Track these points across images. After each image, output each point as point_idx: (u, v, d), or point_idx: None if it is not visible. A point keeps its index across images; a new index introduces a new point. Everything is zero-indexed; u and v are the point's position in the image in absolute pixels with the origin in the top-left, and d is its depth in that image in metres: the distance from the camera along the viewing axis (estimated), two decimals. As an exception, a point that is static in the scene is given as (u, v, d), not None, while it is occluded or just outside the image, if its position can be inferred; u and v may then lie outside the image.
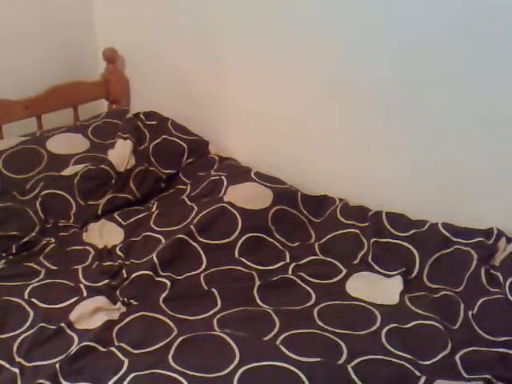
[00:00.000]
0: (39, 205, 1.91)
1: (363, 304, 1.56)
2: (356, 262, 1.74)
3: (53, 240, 1.83)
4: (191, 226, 1.77)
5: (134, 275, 1.63)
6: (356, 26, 1.85)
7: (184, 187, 2.11)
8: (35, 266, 1.69)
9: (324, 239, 1.83)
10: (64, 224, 1.91)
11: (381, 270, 1.69)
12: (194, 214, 1.83)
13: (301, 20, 1.95)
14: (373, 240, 1.76)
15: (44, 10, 2.38)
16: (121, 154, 2.07)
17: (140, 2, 2.40)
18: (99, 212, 1.97)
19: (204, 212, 1.82)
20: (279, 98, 2.12)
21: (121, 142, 2.11)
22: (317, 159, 2.09)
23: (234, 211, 1.82)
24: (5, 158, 2.03)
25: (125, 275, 1.65)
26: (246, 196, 1.88)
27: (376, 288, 1.62)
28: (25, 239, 1.80)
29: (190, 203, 1.95)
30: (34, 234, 1.83)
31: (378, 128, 1.91)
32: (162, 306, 1.53)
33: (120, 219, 1.95)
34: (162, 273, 1.65)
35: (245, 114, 2.25)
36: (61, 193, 1.96)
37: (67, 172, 2.01)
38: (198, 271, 1.68)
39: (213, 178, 2.03)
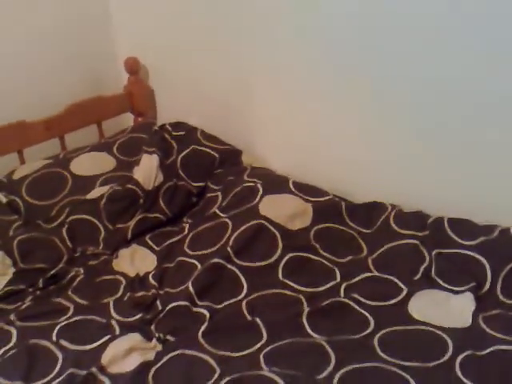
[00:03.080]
0: (66, 232, 1.78)
1: (430, 329, 1.35)
2: (417, 277, 1.53)
3: (82, 270, 1.69)
4: (228, 248, 1.59)
5: (169, 307, 1.47)
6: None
7: (214, 195, 1.93)
8: (63, 302, 1.55)
9: (378, 253, 1.63)
10: (93, 251, 1.77)
11: (447, 286, 1.49)
12: (229, 232, 1.66)
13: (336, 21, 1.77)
14: (435, 251, 1.56)
15: (60, 21, 2.25)
16: (147, 170, 1.92)
17: (162, 8, 2.24)
18: (129, 235, 1.82)
19: (240, 230, 1.64)
20: (315, 107, 1.93)
21: (146, 158, 1.96)
22: (361, 165, 1.90)
23: (272, 229, 1.64)
24: (28, 184, 1.91)
25: (159, 307, 1.49)
26: (284, 213, 1.69)
27: (444, 308, 1.42)
28: (52, 271, 1.67)
29: (223, 216, 1.75)
30: (61, 264, 1.70)
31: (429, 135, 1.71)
32: (202, 341, 1.36)
33: (152, 243, 1.79)
34: (199, 302, 1.49)
35: (280, 122, 2.07)
36: (88, 217, 1.82)
37: (93, 195, 1.87)
38: (238, 298, 1.51)
39: (246, 184, 1.85)
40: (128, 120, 2.44)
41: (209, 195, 1.96)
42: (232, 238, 1.63)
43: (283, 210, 1.70)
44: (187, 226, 1.82)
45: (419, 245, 1.59)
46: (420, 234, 1.62)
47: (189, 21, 2.17)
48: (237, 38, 2.05)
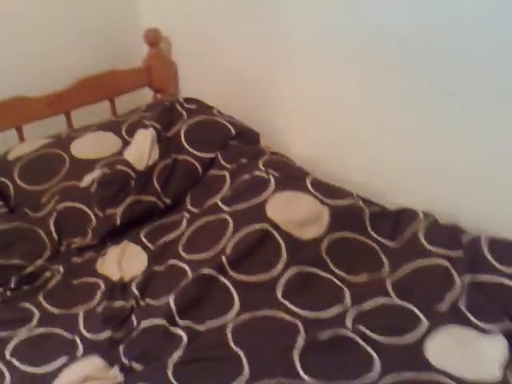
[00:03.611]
0: (53, 222, 1.60)
1: (447, 381, 1.08)
2: (443, 308, 1.25)
3: (61, 269, 1.50)
4: (222, 257, 1.36)
5: (143, 325, 1.26)
6: None
7: (221, 174, 1.69)
8: (31, 309, 1.37)
9: (400, 272, 1.35)
10: (80, 245, 1.58)
11: (478, 324, 1.20)
12: (228, 234, 1.43)
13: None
14: (468, 277, 1.27)
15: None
16: (140, 147, 1.70)
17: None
18: (118, 221, 1.61)
19: (240, 234, 1.41)
20: (349, 86, 1.66)
21: (140, 133, 1.75)
22: (395, 159, 1.60)
23: (277, 237, 1.39)
24: (22, 166, 1.74)
25: (134, 323, 1.29)
26: (295, 217, 1.43)
27: (470, 352, 1.14)
28: (28, 269, 1.49)
29: (225, 210, 1.52)
30: (40, 261, 1.52)
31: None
32: (171, 378, 1.14)
33: (146, 241, 1.58)
34: (179, 321, 1.27)
35: (307, 105, 1.81)
36: (78, 205, 1.63)
37: (85, 182, 1.67)
38: (226, 318, 1.27)
39: (258, 173, 1.60)
40: (148, 97, 2.23)
41: (215, 172, 1.72)
42: (229, 244, 1.40)
43: (294, 214, 1.45)
44: (185, 220, 1.60)
45: (450, 267, 1.30)
46: (452, 253, 1.33)
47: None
48: (267, 16, 1.80)
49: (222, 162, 1.74)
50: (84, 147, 1.80)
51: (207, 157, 1.75)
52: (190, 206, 1.67)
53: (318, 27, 1.67)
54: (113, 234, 1.61)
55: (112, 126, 1.89)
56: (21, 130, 1.89)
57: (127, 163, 1.68)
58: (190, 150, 1.76)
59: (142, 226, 1.64)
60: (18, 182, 1.70)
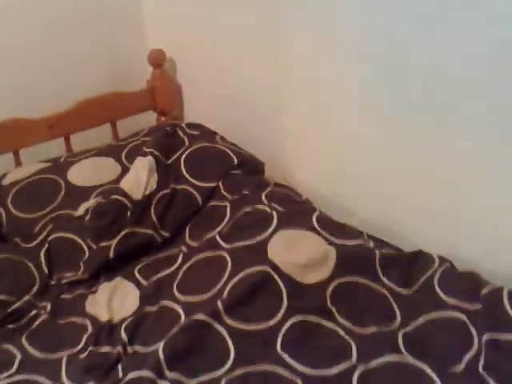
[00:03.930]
0: (44, 254, 1.52)
1: None
2: (459, 370, 1.13)
3: (48, 307, 1.40)
4: (218, 302, 1.25)
5: (128, 377, 1.15)
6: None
7: (222, 205, 1.60)
8: (12, 351, 1.27)
9: (413, 325, 1.24)
10: (71, 279, 1.48)
11: (497, 390, 1.08)
12: (226, 275, 1.32)
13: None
14: (487, 336, 1.15)
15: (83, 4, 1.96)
16: (138, 176, 1.61)
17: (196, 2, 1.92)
18: (111, 254, 1.51)
19: (238, 277, 1.30)
20: (359, 114, 1.55)
21: (138, 161, 1.66)
22: (408, 201, 1.49)
23: (278, 281, 1.28)
24: (16, 192, 1.66)
25: (120, 374, 1.18)
26: (299, 259, 1.32)
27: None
28: (14, 306, 1.39)
29: (223, 246, 1.41)
30: (28, 297, 1.43)
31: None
32: None
33: (140, 276, 1.48)
34: (168, 372, 1.15)
35: (315, 135, 1.71)
36: (71, 236, 1.54)
37: (79, 211, 1.58)
38: (218, 372, 1.16)
39: (261, 206, 1.51)
40: (151, 120, 2.14)
41: (215, 203, 1.62)
42: (227, 287, 1.29)
43: (297, 255, 1.34)
44: (182, 254, 1.50)
45: (468, 323, 1.18)
46: (471, 307, 1.21)
47: (223, 17, 1.84)
48: (272, 40, 1.71)
49: (223, 192, 1.64)
50: (82, 173, 1.72)
51: (207, 186, 1.66)
52: (188, 240, 1.57)
53: (328, 53, 1.57)
54: (106, 269, 1.52)
55: (112, 151, 1.81)
56: (18, 153, 1.81)
57: (123, 192, 1.59)
58: (190, 178, 1.67)
59: (137, 261, 1.54)
60: (11, 209, 1.62)
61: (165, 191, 1.62)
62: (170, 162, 1.69)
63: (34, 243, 1.55)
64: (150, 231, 1.56)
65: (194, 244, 1.53)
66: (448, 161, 1.38)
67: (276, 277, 1.28)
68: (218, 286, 1.31)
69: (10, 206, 1.62)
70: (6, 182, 1.70)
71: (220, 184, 1.66)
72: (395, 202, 1.54)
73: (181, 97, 2.14)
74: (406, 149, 1.46)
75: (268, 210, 1.48)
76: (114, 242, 1.52)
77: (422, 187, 1.46)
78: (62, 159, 1.80)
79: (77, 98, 1.89)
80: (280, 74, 1.73)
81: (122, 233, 1.54)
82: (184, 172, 1.68)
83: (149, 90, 2.05)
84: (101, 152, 1.81)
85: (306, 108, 1.70)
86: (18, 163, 1.81)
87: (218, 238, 1.44)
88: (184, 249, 1.53)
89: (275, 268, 1.29)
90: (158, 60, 2.02)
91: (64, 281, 1.48)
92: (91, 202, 1.59)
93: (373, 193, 1.59)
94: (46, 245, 1.52)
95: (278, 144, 1.83)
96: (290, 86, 1.72)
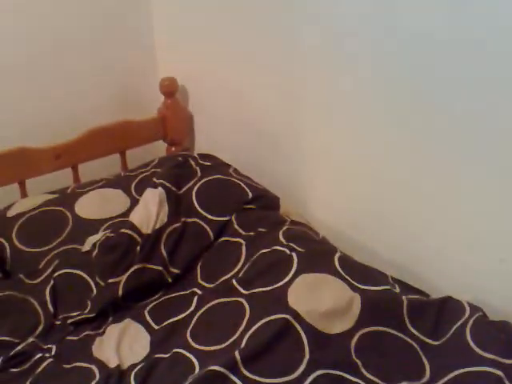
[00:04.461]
0: (49, 292, 1.44)
1: None
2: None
3: (54, 349, 1.32)
4: (236, 352, 1.17)
5: None
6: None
7: (236, 241, 1.53)
8: (14, 400, 1.19)
9: (443, 379, 1.15)
10: (77, 318, 1.40)
11: None
12: (244, 323, 1.25)
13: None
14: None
15: (97, 29, 1.92)
16: (148, 209, 1.54)
17: (208, 26, 1.87)
18: (120, 292, 1.43)
19: (257, 326, 1.22)
20: (379, 153, 1.49)
21: (148, 193, 1.59)
22: (432, 233, 1.42)
23: (300, 331, 1.20)
24: (21, 225, 1.59)
25: (128, 432, 1.09)
26: (322, 306, 1.24)
27: None
28: (18, 348, 1.31)
29: (241, 291, 1.34)
30: (32, 338, 1.35)
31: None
32: None
33: (151, 319, 1.40)
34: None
35: (332, 168, 1.65)
36: (78, 272, 1.47)
37: (86, 246, 1.51)
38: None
39: (279, 247, 1.42)
40: (161, 150, 2.08)
41: (228, 238, 1.55)
42: (245, 337, 1.21)
43: (320, 303, 1.25)
44: (196, 298, 1.42)
45: (504, 378, 1.10)
46: (505, 360, 1.13)
47: (236, 45, 1.79)
48: (288, 67, 1.65)
49: (236, 227, 1.57)
50: (89, 206, 1.66)
51: (219, 220, 1.59)
52: (200, 279, 1.50)
53: (347, 81, 1.51)
54: (115, 308, 1.44)
55: (121, 183, 1.75)
56: (24, 184, 1.74)
57: (132, 226, 1.51)
58: (201, 211, 1.60)
59: (147, 300, 1.47)
60: (16, 242, 1.55)
61: (175, 225, 1.55)
62: (181, 192, 1.62)
63: (39, 280, 1.48)
64: (159, 268, 1.49)
65: (207, 285, 1.46)
66: (479, 201, 1.32)
67: (297, 326, 1.20)
68: (236, 335, 1.23)
69: (14, 239, 1.56)
70: (12, 213, 1.63)
71: (233, 218, 1.59)
72: (421, 242, 1.46)
73: (192, 126, 2.07)
74: (433, 187, 1.40)
75: (287, 251, 1.40)
76: (123, 278, 1.45)
77: (447, 227, 1.39)
78: (69, 190, 1.73)
79: (85, 127, 1.83)
80: (294, 101, 1.67)
81: (131, 269, 1.46)
82: (196, 204, 1.61)
83: (159, 119, 1.99)
84: (109, 183, 1.74)
85: (323, 138, 1.64)
86: (24, 194, 1.75)
87: (234, 282, 1.36)
88: (197, 291, 1.46)
89: (296, 316, 1.21)
90: (170, 88, 1.97)
91: (70, 321, 1.40)
92: (99, 236, 1.52)
93: (397, 232, 1.52)
94: (52, 281, 1.45)
95: (294, 175, 1.77)
96: (305, 113, 1.66)
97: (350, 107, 1.53)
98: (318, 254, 1.41)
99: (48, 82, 1.86)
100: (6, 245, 1.54)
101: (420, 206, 1.44)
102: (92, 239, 1.52)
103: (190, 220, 1.58)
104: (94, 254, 1.49)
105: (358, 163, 1.56)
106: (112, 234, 1.51)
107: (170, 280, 1.50)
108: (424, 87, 1.33)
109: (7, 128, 1.77)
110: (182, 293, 1.47)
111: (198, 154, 1.81)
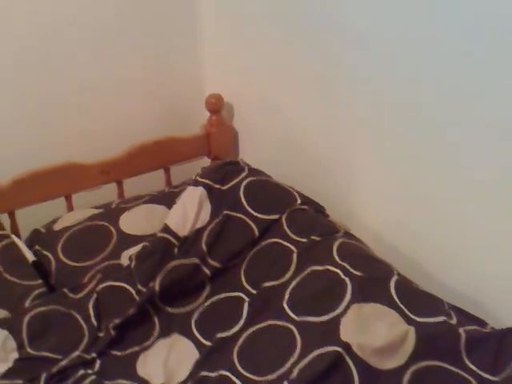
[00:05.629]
0: (93, 306, 1.42)
1: None
2: None
3: (97, 366, 1.31)
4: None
5: None
6: None
7: (286, 246, 1.48)
8: (56, 421, 1.17)
9: (503, 419, 1.10)
10: (118, 322, 1.37)
11: None
12: (294, 355, 1.21)
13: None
14: None
15: (149, 54, 1.94)
16: (185, 211, 1.53)
17: (255, 44, 1.86)
18: (157, 287, 1.41)
19: (309, 358, 1.18)
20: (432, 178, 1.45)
21: (187, 194, 1.57)
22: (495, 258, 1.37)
23: (351, 366, 1.15)
24: (66, 239, 1.60)
25: None
26: (375, 341, 1.19)
27: None
28: (61, 364, 1.29)
29: (292, 317, 1.29)
30: (76, 353, 1.33)
31: None
32: None
33: (199, 334, 1.38)
34: None
35: (381, 193, 1.62)
36: (120, 284, 1.46)
37: (124, 259, 1.52)
38: None
39: (333, 268, 1.37)
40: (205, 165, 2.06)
41: (277, 240, 1.50)
42: (295, 369, 1.17)
43: (373, 337, 1.20)
44: (245, 309, 1.39)
45: None
46: None
47: (285, 67, 1.77)
48: (335, 88, 1.63)
49: (286, 229, 1.52)
50: (133, 221, 1.65)
51: (268, 219, 1.55)
52: (245, 282, 1.46)
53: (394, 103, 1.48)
54: (159, 314, 1.42)
55: (164, 199, 1.73)
56: (70, 198, 1.74)
57: (167, 229, 1.51)
58: (248, 208, 1.56)
59: (190, 304, 1.44)
60: (61, 256, 1.56)
61: (217, 219, 1.52)
62: (225, 187, 1.59)
63: (83, 294, 1.47)
64: (195, 260, 1.46)
65: (253, 290, 1.43)
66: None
67: (349, 361, 1.16)
68: (285, 367, 1.19)
69: (60, 253, 1.56)
70: (58, 227, 1.64)
71: (283, 219, 1.55)
72: (481, 268, 1.40)
73: (236, 143, 2.06)
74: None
75: (341, 274, 1.35)
76: (160, 276, 1.43)
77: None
78: (113, 205, 1.73)
79: (130, 143, 1.83)
80: (344, 126, 1.64)
81: (168, 267, 1.45)
82: (243, 200, 1.57)
83: (204, 135, 1.98)
84: (153, 199, 1.73)
85: (371, 158, 1.60)
86: (70, 208, 1.75)
87: (285, 305, 1.33)
88: (244, 297, 1.43)
89: (348, 351, 1.17)
90: (216, 106, 1.96)
91: (111, 325, 1.37)
92: (138, 248, 1.51)
93: (458, 259, 1.46)
94: (95, 295, 1.44)
95: (340, 194, 1.73)
96: (353, 140, 1.63)
97: (403, 117, 1.48)
98: (374, 280, 1.34)
99: (95, 101, 1.89)
100: (52, 258, 1.55)
101: (484, 233, 1.39)
102: (127, 252, 1.52)
103: (233, 214, 1.54)
104: (133, 264, 1.47)
105: (409, 186, 1.52)
106: (147, 244, 1.50)
107: (208, 273, 1.46)
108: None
109: (59, 145, 1.81)
110: (226, 294, 1.45)
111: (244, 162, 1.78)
